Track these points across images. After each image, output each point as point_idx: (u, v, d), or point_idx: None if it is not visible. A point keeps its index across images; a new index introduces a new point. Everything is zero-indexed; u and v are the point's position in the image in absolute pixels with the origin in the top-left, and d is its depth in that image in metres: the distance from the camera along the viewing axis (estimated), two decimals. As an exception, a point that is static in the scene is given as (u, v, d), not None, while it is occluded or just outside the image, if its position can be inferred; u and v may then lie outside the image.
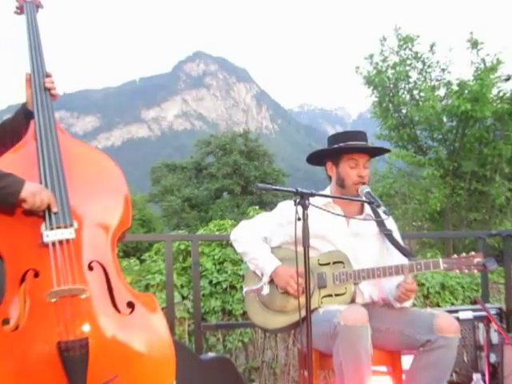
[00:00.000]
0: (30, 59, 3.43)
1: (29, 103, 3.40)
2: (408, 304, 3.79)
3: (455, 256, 3.67)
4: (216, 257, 7.29)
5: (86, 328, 3.01)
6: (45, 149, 3.19)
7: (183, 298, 6.76)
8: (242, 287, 6.84)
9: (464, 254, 3.65)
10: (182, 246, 7.33)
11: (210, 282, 7.05)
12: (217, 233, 8.11)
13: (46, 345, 2.96)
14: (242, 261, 7.11)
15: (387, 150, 4.41)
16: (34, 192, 3.00)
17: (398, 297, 3.68)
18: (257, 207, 10.45)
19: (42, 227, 3.05)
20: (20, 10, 3.59)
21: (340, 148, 3.91)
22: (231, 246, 7.10)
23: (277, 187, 3.43)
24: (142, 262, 8.08)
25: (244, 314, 6.85)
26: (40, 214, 3.07)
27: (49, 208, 3.05)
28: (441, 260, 3.64)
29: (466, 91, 16.66)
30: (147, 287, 6.73)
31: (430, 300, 7.83)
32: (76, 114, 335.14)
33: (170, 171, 52.13)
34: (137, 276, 6.93)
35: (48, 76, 3.41)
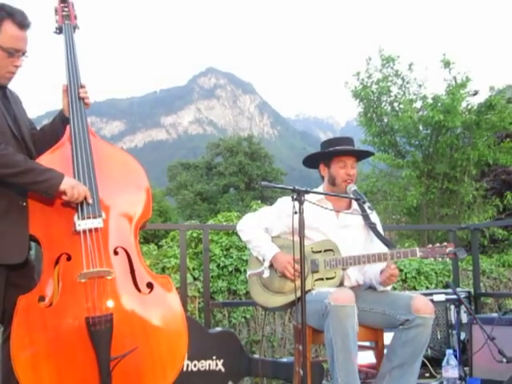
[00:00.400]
0: (67, 72, 3.42)
1: (65, 110, 3.39)
2: (389, 287, 3.77)
3: (430, 246, 3.68)
4: (223, 244, 7.31)
5: (110, 305, 3.02)
6: (78, 150, 3.19)
7: (194, 279, 6.77)
8: (245, 270, 6.84)
9: (438, 244, 3.66)
10: (194, 234, 7.34)
11: (218, 265, 7.07)
12: (224, 223, 8.11)
13: (76, 319, 2.98)
14: (246, 248, 7.12)
15: (371, 153, 4.48)
16: (72, 185, 3.01)
17: (382, 281, 3.67)
18: (259, 201, 10.45)
19: (75, 217, 3.06)
20: (59, 31, 3.58)
21: (331, 151, 3.93)
22: (237, 234, 7.13)
23: (277, 185, 3.45)
24: (159, 247, 8.09)
25: (247, 293, 6.85)
26: (73, 206, 3.08)
27: (81, 201, 3.04)
28: (417, 249, 3.64)
29: (439, 104, 16.72)
30: (164, 269, 6.74)
31: (407, 284, 7.84)
32: (105, 119, 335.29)
33: (185, 169, 52.10)
34: (155, 259, 6.94)
35: (82, 87, 3.40)
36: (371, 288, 3.85)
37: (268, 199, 40.34)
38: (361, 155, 4.18)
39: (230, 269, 7.10)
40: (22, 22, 3.09)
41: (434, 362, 4.94)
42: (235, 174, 49.17)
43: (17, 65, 3.14)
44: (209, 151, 54.64)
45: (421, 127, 17.90)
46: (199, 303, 6.56)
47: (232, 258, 7.17)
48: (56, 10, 3.59)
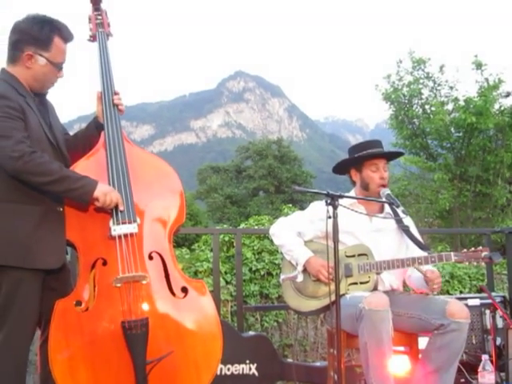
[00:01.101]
0: (101, 79, 3.46)
1: (99, 117, 3.42)
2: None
3: (465, 250, 3.65)
4: (255, 247, 7.32)
5: (146, 309, 3.05)
6: (113, 156, 3.22)
7: (226, 282, 6.79)
8: (277, 274, 6.86)
9: (473, 248, 3.62)
10: (226, 238, 7.35)
11: (250, 269, 7.08)
12: (256, 227, 8.12)
13: (112, 324, 3.01)
14: (277, 251, 7.12)
15: (401, 153, 4.45)
16: (105, 192, 3.04)
17: (432, 289, 3.66)
18: (290, 205, 10.43)
19: (110, 222, 3.09)
20: (93, 39, 3.62)
21: (362, 155, 3.91)
22: (268, 238, 7.15)
23: (311, 190, 3.45)
24: (191, 251, 8.11)
25: (279, 297, 6.86)
26: (108, 211, 3.11)
27: (116, 206, 3.08)
28: (452, 253, 3.62)
29: (472, 106, 16.65)
30: (196, 273, 6.77)
31: (440, 288, 7.77)
32: (135, 123, 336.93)
33: (214, 172, 52.27)
34: (187, 263, 6.96)
35: (116, 94, 3.44)
36: (405, 292, 3.84)
37: (298, 202, 40.32)
38: (392, 156, 4.18)
39: (262, 272, 7.10)
40: (68, 37, 3.21)
41: (469, 368, 4.88)
42: (265, 177, 49.20)
43: (60, 76, 3.25)
44: (238, 154, 54.77)
45: (452, 129, 17.82)
46: (231, 307, 6.57)
47: (264, 261, 7.17)
48: (90, 19, 3.63)
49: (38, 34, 3.09)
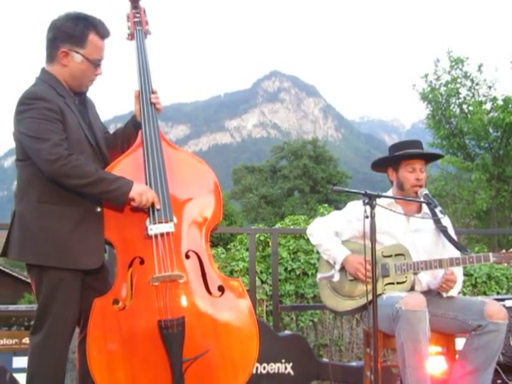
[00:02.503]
0: (139, 78, 3.47)
1: (137, 116, 3.44)
2: (454, 293, 3.71)
3: (503, 251, 3.61)
4: (291, 247, 7.31)
5: (182, 308, 3.06)
6: (150, 155, 3.23)
7: (262, 282, 6.79)
8: (313, 274, 6.85)
9: (511, 250, 3.58)
10: (262, 238, 7.36)
11: (286, 269, 7.07)
12: (291, 227, 8.11)
13: (149, 322, 3.03)
14: (313, 251, 7.11)
15: (440, 156, 4.42)
16: (140, 192, 3.05)
17: (439, 287, 3.63)
18: (326, 205, 10.39)
19: (147, 222, 3.10)
20: (131, 37, 3.63)
21: (399, 155, 3.88)
22: (304, 238, 7.14)
23: (348, 190, 3.43)
24: (227, 250, 8.13)
25: (314, 297, 6.85)
26: (145, 211, 3.12)
27: (153, 205, 3.09)
28: (491, 254, 3.58)
29: (510, 106, 16.46)
30: (232, 272, 6.79)
31: (477, 289, 7.69)
32: (170, 123, 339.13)
33: (249, 172, 52.34)
34: (223, 263, 6.98)
35: (154, 93, 3.45)
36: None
37: (333, 202, 40.23)
38: (430, 158, 4.12)
39: (298, 272, 7.09)
40: (104, 33, 3.20)
41: (506, 369, 4.82)
42: (300, 178, 49.12)
43: (98, 73, 3.24)
44: (273, 154, 54.76)
45: (491, 129, 17.68)
46: (267, 306, 6.58)
47: (299, 261, 7.16)
48: (128, 17, 3.64)
49: (73, 30, 3.10)
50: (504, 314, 3.45)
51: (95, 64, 3.18)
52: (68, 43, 3.11)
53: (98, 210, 3.15)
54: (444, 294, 3.69)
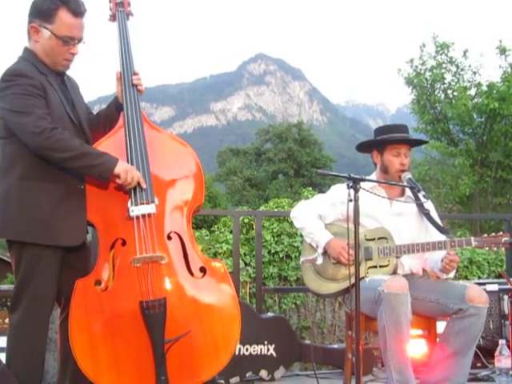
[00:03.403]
0: (120, 59, 3.44)
1: (119, 97, 3.42)
2: (451, 275, 3.75)
3: (485, 235, 3.63)
4: (274, 230, 7.34)
5: (164, 289, 3.07)
6: (132, 136, 3.21)
7: (245, 264, 6.81)
8: (296, 257, 6.87)
9: (493, 234, 3.60)
10: (246, 220, 7.38)
11: (269, 251, 7.10)
12: (275, 210, 8.12)
13: (130, 303, 3.03)
14: (296, 234, 7.13)
15: (425, 142, 4.42)
16: (126, 169, 3.04)
17: (443, 268, 3.64)
18: (310, 188, 10.42)
19: (129, 203, 3.10)
20: (113, 18, 3.60)
21: (385, 139, 3.89)
22: (288, 221, 7.16)
23: (333, 173, 3.42)
24: (211, 233, 8.14)
25: (297, 279, 6.88)
26: (127, 192, 3.11)
27: (135, 187, 3.08)
28: (472, 238, 3.60)
29: (495, 91, 16.58)
30: (215, 254, 6.81)
31: (459, 273, 7.76)
32: (155, 105, 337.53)
33: (234, 155, 52.25)
34: (207, 245, 6.99)
35: (136, 74, 3.43)
36: (424, 276, 3.84)
37: (317, 186, 40.28)
38: (415, 143, 4.15)
39: (281, 255, 7.12)
40: (76, 10, 3.12)
41: (486, 352, 4.88)
42: (284, 161, 49.11)
43: (73, 52, 3.18)
44: (258, 137, 54.68)
45: (475, 115, 17.77)
46: (250, 288, 6.59)
47: (283, 244, 7.19)
48: None
49: (41, 5, 3.07)
50: (485, 298, 3.47)
51: (65, 41, 3.10)
52: (38, 18, 3.08)
53: (81, 187, 3.14)
54: (444, 276, 3.72)
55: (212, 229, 8.50)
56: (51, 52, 3.12)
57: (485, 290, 3.66)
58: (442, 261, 3.64)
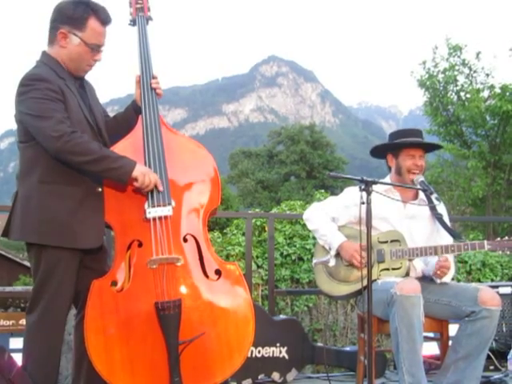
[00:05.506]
0: (140, 64, 3.48)
1: (137, 100, 3.46)
2: (447, 279, 3.75)
3: (499, 239, 3.64)
4: (287, 232, 7.34)
5: (179, 291, 3.09)
6: (150, 139, 3.25)
7: (258, 266, 6.83)
8: (308, 259, 6.89)
9: (506, 237, 3.61)
10: (258, 223, 7.39)
11: (281, 253, 7.11)
12: (288, 212, 8.13)
13: (146, 304, 3.06)
14: (309, 236, 7.14)
15: (440, 146, 4.43)
16: (144, 172, 3.07)
17: (433, 273, 3.68)
18: (322, 191, 10.43)
19: (146, 205, 3.13)
20: (133, 23, 3.64)
21: (400, 143, 3.92)
22: (300, 223, 7.18)
23: (345, 175, 3.46)
24: (223, 235, 8.16)
25: (309, 282, 6.89)
26: (144, 194, 3.14)
27: (152, 190, 3.12)
28: (486, 242, 3.60)
29: (508, 93, 16.52)
30: (228, 257, 6.83)
31: (472, 276, 7.74)
32: (167, 106, 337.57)
33: (246, 157, 52.31)
34: (219, 247, 7.01)
35: (154, 78, 3.47)
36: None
37: (329, 188, 40.27)
38: (429, 148, 4.15)
39: (293, 257, 7.13)
40: (105, 19, 3.21)
41: (499, 355, 4.88)
42: (296, 163, 49.12)
43: (97, 59, 3.25)
44: (270, 139, 54.75)
45: (488, 117, 17.71)
46: (262, 290, 6.62)
47: (295, 246, 7.20)
48: (130, 3, 3.65)
49: (73, 12, 3.12)
50: (497, 300, 3.49)
51: (93, 49, 3.18)
52: (67, 25, 3.13)
53: (99, 190, 3.18)
54: (438, 281, 3.72)
55: (224, 231, 8.51)
56: (78, 58, 3.18)
57: (497, 292, 3.69)
58: (435, 266, 3.67)
